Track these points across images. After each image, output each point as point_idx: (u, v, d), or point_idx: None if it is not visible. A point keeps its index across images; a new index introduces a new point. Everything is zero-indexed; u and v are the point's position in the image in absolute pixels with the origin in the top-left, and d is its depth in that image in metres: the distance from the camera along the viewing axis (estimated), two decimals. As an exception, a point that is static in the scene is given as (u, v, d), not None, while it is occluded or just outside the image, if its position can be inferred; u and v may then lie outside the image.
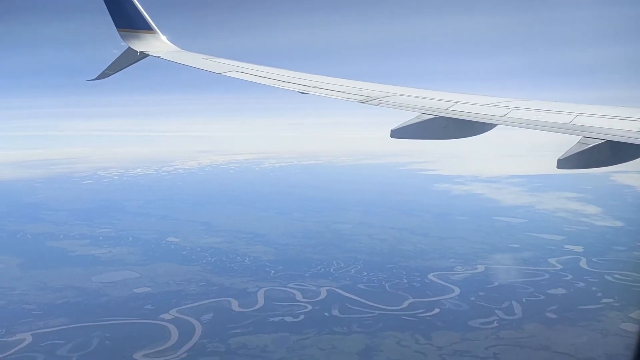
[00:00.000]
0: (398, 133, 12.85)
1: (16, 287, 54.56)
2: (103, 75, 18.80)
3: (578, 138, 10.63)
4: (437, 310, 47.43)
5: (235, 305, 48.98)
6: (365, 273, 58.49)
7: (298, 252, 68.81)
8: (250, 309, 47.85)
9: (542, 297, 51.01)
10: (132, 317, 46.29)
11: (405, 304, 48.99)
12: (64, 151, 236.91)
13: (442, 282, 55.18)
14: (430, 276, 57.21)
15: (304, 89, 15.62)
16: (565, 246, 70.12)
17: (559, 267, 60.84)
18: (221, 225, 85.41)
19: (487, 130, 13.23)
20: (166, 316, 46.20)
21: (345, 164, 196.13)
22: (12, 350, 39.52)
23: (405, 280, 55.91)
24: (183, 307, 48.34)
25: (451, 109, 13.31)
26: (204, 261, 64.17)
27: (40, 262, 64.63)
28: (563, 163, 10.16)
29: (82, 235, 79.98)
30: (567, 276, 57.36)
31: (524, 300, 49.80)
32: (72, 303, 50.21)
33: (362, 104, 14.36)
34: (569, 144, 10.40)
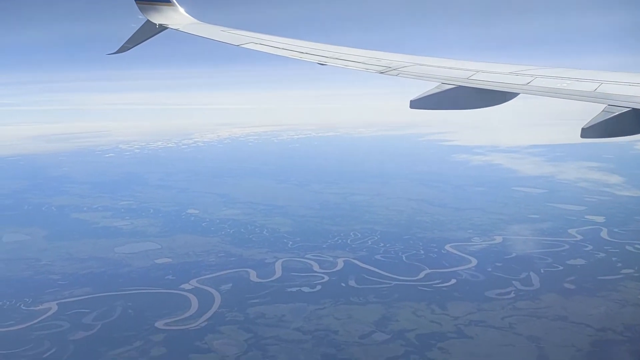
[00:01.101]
0: (417, 104, 12.71)
1: (42, 258, 56.15)
2: (123, 49, 18.90)
3: (603, 106, 10.42)
4: (453, 281, 47.51)
5: (253, 275, 49.75)
6: (382, 244, 58.74)
7: (315, 223, 69.28)
8: (268, 280, 48.57)
9: (561, 267, 50.68)
10: (154, 287, 47.41)
11: (421, 275, 49.18)
12: (87, 125, 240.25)
13: (459, 253, 55.14)
14: (447, 247, 57.21)
15: (322, 60, 15.51)
16: (586, 216, 69.28)
17: (579, 237, 60.23)
18: (240, 197, 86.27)
19: (509, 100, 13.01)
20: (186, 286, 47.18)
21: (364, 135, 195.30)
22: (39, 319, 40.89)
23: (422, 251, 56.02)
24: (203, 277, 49.27)
25: (472, 78, 13.08)
26: (223, 232, 65.07)
27: (65, 234, 66.33)
28: (587, 132, 9.99)
29: (105, 208, 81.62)
30: (587, 247, 56.79)
31: (542, 271, 49.53)
32: (96, 273, 51.55)
33: (381, 74, 14.21)
34: (593, 112, 10.22)
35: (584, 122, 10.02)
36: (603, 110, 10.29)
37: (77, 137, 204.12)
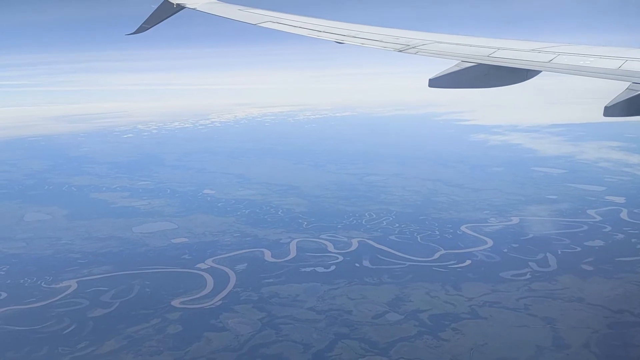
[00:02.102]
0: (436, 82, 12.59)
1: (62, 237, 57.26)
2: (141, 29, 19.01)
3: (627, 84, 10.19)
4: (468, 262, 47.23)
5: (268, 255, 50.08)
6: (397, 225, 58.57)
7: (331, 204, 69.32)
8: (283, 260, 48.84)
9: (579, 249, 50.04)
10: (170, 266, 48.02)
11: (436, 256, 48.98)
12: (105, 106, 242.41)
13: (475, 234, 54.74)
14: (462, 228, 56.80)
15: (340, 38, 15.47)
16: (606, 197, 68.17)
17: (598, 218, 59.33)
18: (256, 178, 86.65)
19: (530, 77, 12.83)
20: (202, 265, 47.73)
21: (381, 115, 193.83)
22: (59, 296, 41.80)
23: (437, 232, 55.75)
24: (218, 257, 49.77)
25: (492, 55, 12.86)
26: (238, 213, 65.51)
27: (85, 214, 67.45)
28: (610, 110, 9.80)
29: (123, 188, 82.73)
30: (606, 228, 55.95)
31: (559, 252, 48.95)
32: (114, 252, 52.40)
33: (399, 52, 14.06)
34: (616, 90, 9.99)
35: (607, 100, 9.81)
36: (627, 89, 10.05)
37: (97, 118, 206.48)
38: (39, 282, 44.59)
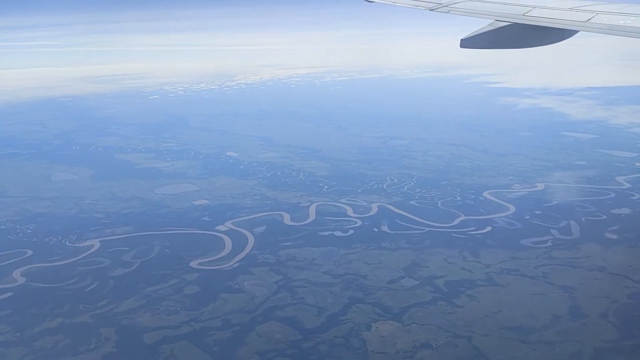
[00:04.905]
0: (468, 42, 12.18)
1: (87, 197, 58.54)
2: None
3: None
4: (488, 228, 46.61)
5: (287, 219, 50.31)
6: (418, 190, 57.97)
7: (352, 167, 68.90)
8: (301, 223, 49.02)
9: (604, 216, 48.84)
10: (190, 228, 48.76)
11: (456, 222, 48.45)
12: (132, 66, 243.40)
13: (497, 200, 53.83)
14: (485, 194, 55.86)
15: None
16: (637, 164, 65.96)
17: (627, 185, 57.59)
18: (279, 140, 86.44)
19: (567, 38, 12.24)
20: (221, 227, 48.29)
21: (409, 77, 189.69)
22: (82, 255, 42.97)
23: (458, 198, 54.99)
24: (238, 219, 50.22)
25: (528, 14, 12.29)
26: (260, 175, 65.71)
27: (109, 174, 68.64)
28: None
29: (148, 149, 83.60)
30: (634, 195, 54.37)
31: (583, 220, 47.88)
32: (137, 213, 53.40)
33: (431, 11, 13.58)
34: None
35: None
36: None
37: (123, 79, 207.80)
38: (63, 241, 45.87)
